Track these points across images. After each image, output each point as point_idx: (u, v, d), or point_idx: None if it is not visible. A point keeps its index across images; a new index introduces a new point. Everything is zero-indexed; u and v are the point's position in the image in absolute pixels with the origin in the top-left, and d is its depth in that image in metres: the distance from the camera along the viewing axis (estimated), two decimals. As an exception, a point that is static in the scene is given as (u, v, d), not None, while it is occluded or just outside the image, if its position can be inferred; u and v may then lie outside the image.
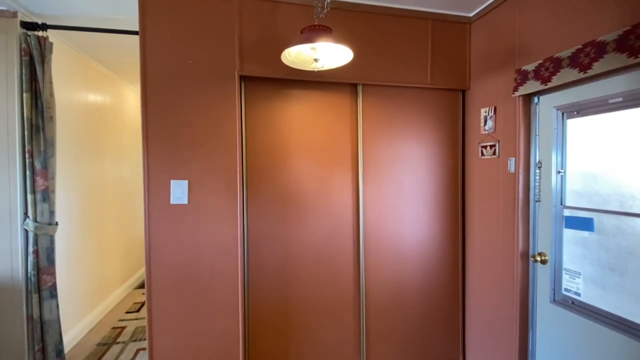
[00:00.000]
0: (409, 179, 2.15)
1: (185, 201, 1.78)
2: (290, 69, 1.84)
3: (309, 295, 2.02)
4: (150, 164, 1.74)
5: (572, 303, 1.62)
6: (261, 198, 1.95)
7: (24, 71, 2.05)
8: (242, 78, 1.88)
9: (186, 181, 1.78)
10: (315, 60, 1.52)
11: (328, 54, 1.53)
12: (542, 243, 1.76)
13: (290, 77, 1.89)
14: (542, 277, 1.77)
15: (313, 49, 1.47)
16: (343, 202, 2.06)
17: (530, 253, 1.81)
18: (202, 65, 1.78)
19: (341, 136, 2.04)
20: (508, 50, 1.86)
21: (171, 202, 1.77)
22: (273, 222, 1.97)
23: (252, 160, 1.93)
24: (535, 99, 1.78)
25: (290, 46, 1.45)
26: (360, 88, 2.03)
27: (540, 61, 1.64)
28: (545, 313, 1.75)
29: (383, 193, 2.11)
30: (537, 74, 1.64)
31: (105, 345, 2.61)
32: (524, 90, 1.72)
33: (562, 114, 1.65)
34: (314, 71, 1.81)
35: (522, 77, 1.73)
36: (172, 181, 1.77)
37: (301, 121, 1.99)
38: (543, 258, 1.73)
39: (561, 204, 1.67)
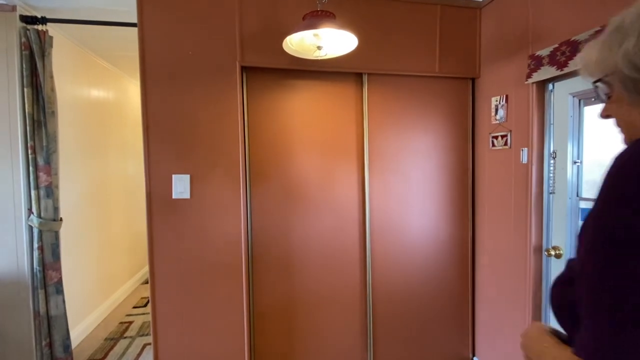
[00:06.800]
0: (416, 171, 2.08)
1: (187, 196, 1.75)
2: (292, 59, 1.78)
3: (314, 289, 1.99)
4: (151, 159, 1.71)
5: (589, 299, 1.55)
6: (265, 191, 1.91)
7: (24, 66, 2.03)
8: (244, 69, 1.82)
9: (188, 175, 1.74)
10: (318, 48, 1.46)
11: (331, 42, 1.47)
12: (556, 237, 1.69)
13: (293, 67, 1.83)
14: (556, 272, 1.70)
15: (316, 35, 1.40)
16: (348, 195, 2.01)
17: (544, 247, 1.74)
18: (202, 56, 1.73)
19: (346, 127, 1.98)
20: (520, 35, 1.77)
21: (173, 196, 1.73)
22: (277, 215, 1.93)
23: (255, 153, 1.89)
24: (550, 86, 1.69)
25: (291, 33, 1.39)
26: (365, 77, 1.96)
27: (556, 45, 1.55)
28: (559, 309, 1.68)
29: (390, 186, 2.05)
30: (553, 59, 1.56)
31: (112, 340, 2.62)
32: (538, 76, 1.63)
33: (579, 101, 1.57)
34: (317, 60, 1.75)
35: (536, 63, 1.64)
36: (173, 175, 1.73)
37: (305, 112, 1.93)
38: (557, 252, 1.67)
39: (577, 196, 1.59)
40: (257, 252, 1.92)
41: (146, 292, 3.64)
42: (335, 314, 2.02)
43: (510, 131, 1.85)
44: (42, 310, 2.10)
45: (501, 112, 1.90)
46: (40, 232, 2.08)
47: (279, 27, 1.80)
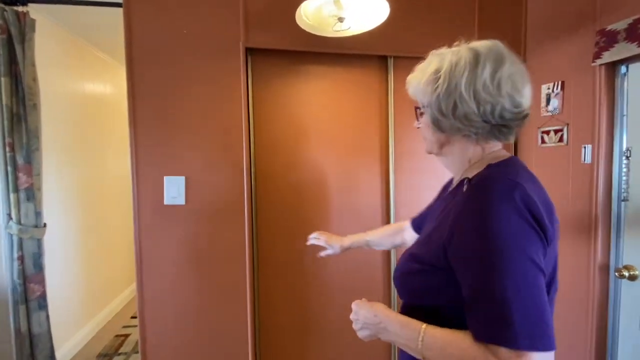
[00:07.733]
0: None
1: (182, 201, 1.48)
2: (306, 39, 1.49)
3: (331, 309, 1.71)
4: (139, 157, 1.45)
5: (676, 333, 1.24)
6: (273, 194, 1.64)
7: (1, 52, 1.79)
8: (249, 51, 1.55)
9: (183, 177, 1.48)
10: (340, 20, 1.18)
11: (355, 11, 1.18)
12: (629, 254, 1.38)
13: (307, 49, 1.55)
14: (628, 296, 1.39)
15: (336, 2, 1.12)
16: (371, 198, 1.72)
17: (613, 266, 1.43)
18: (199, 35, 1.46)
19: (368, 121, 1.69)
20: (582, 7, 1.46)
21: (165, 202, 1.47)
22: (287, 223, 1.65)
23: (262, 150, 1.62)
24: (623, 69, 1.37)
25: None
26: (391, 61, 1.67)
27: (636, 17, 1.24)
28: (631, 342, 1.38)
29: (419, 188, 1.75)
30: (632, 34, 1.24)
31: (105, 357, 2.38)
32: (611, 56, 1.32)
33: (664, 85, 1.26)
34: (334, 41, 1.47)
35: (608, 40, 1.33)
36: (165, 177, 1.47)
37: (320, 102, 1.65)
38: (631, 273, 1.35)
39: (661, 204, 1.28)
40: (263, 267, 1.65)
41: (146, 299, 3.41)
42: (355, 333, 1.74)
43: (567, 125, 1.54)
44: (24, 328, 1.87)
45: (555, 102, 1.59)
46: (20, 240, 1.85)
47: (291, 1, 1.51)
